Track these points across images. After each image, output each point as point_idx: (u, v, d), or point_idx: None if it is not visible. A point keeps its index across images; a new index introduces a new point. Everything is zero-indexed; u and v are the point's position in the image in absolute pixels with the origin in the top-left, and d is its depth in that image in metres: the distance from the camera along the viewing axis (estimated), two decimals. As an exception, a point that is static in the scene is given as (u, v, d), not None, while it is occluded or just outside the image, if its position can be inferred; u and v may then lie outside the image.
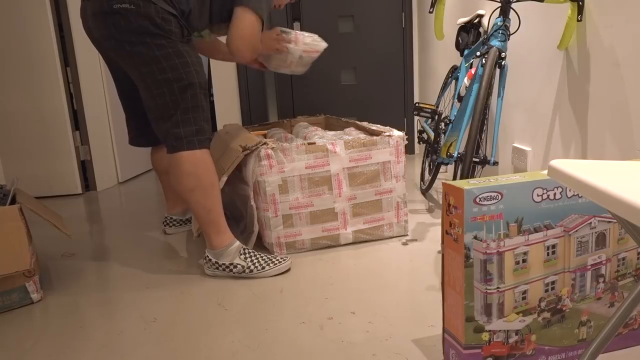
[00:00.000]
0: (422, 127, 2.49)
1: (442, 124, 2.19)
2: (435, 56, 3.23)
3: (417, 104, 2.18)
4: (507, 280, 0.98)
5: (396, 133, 1.89)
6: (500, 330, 1.01)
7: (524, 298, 1.00)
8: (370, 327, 1.29)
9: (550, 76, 1.85)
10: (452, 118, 2.12)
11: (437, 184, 2.77)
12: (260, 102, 3.78)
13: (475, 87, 1.73)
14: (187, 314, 1.43)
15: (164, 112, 1.54)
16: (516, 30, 1.82)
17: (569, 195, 0.98)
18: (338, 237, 1.88)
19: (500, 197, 0.95)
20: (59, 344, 1.31)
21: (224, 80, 3.64)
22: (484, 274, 0.97)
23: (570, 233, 1.00)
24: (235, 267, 1.64)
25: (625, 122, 1.45)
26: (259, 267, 1.65)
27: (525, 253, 0.98)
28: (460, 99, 2.20)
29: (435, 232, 2.00)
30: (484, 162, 1.80)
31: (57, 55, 2.94)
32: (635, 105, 1.40)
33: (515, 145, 2.17)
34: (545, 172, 1.00)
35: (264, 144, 1.75)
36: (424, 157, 2.71)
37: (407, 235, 1.99)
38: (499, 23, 1.69)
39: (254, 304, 1.47)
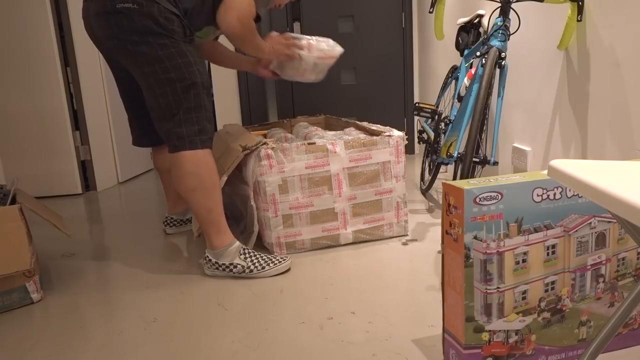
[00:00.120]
0: (422, 127, 2.49)
1: (442, 124, 2.19)
2: (435, 56, 3.23)
3: (417, 104, 2.18)
4: (507, 280, 0.98)
5: (396, 133, 1.89)
6: (500, 330, 1.01)
7: (523, 298, 1.00)
8: (370, 327, 1.29)
9: (550, 76, 1.85)
10: (452, 118, 2.12)
11: (437, 184, 2.77)
12: (260, 102, 3.78)
13: (475, 87, 1.73)
14: (187, 314, 1.43)
15: (167, 111, 1.54)
16: (516, 30, 1.82)
17: (569, 195, 0.98)
18: (338, 237, 1.88)
19: (500, 197, 0.95)
20: (59, 344, 1.31)
21: (224, 80, 3.64)
22: (484, 274, 0.97)
23: (570, 233, 1.00)
24: (235, 267, 1.64)
25: (625, 122, 1.45)
26: (259, 267, 1.65)
27: (525, 253, 0.98)
28: (460, 99, 2.20)
29: (435, 232, 2.00)
30: (484, 162, 1.80)
31: (57, 55, 2.94)
32: (635, 105, 1.40)
33: (515, 145, 2.17)
34: (545, 172, 1.00)
35: (264, 144, 1.75)
36: (424, 157, 2.71)
37: (407, 235, 1.99)
38: (499, 23, 1.70)
39: (254, 304, 1.47)
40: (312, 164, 1.79)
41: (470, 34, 2.34)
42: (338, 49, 1.88)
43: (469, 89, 1.80)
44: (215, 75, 3.61)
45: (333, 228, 1.87)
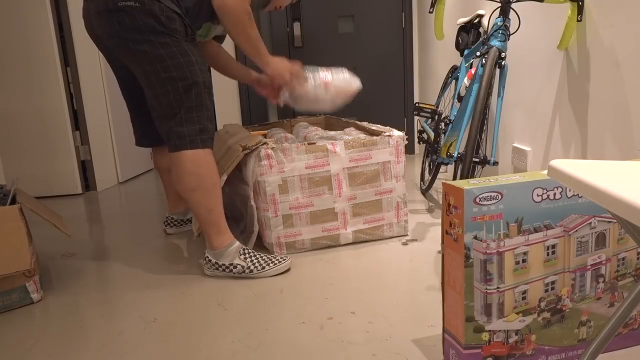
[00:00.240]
0: (422, 127, 2.49)
1: (442, 124, 2.19)
2: (435, 56, 3.23)
3: (417, 104, 2.18)
4: (507, 280, 0.98)
5: (396, 133, 1.89)
6: (500, 330, 1.01)
7: (523, 298, 1.00)
8: (370, 327, 1.29)
9: (550, 76, 1.85)
10: (452, 118, 2.12)
11: (437, 184, 2.77)
12: (260, 102, 3.78)
13: (475, 87, 1.73)
14: (187, 314, 1.43)
15: (168, 110, 1.53)
16: (516, 30, 1.82)
17: (569, 195, 0.98)
18: (338, 237, 1.88)
19: (500, 197, 0.95)
20: (59, 344, 1.31)
21: (224, 80, 3.64)
22: (484, 274, 0.97)
23: (570, 233, 1.00)
24: (235, 267, 1.64)
25: (625, 122, 1.45)
26: (259, 267, 1.65)
27: (525, 253, 0.98)
28: (460, 99, 2.20)
29: (435, 232, 2.00)
30: (484, 162, 1.80)
31: (57, 55, 2.94)
32: (635, 105, 1.40)
33: (515, 145, 2.17)
34: (545, 172, 1.00)
35: (264, 143, 1.75)
36: (424, 157, 2.71)
37: (407, 235, 1.99)
38: (499, 23, 1.70)
39: (254, 304, 1.47)
40: (312, 164, 1.79)
41: (470, 34, 2.34)
42: (355, 83, 1.77)
43: (469, 89, 1.80)
44: (215, 75, 3.61)
45: (333, 228, 1.87)
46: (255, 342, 1.25)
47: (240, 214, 2.08)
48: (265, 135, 2.33)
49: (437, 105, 2.46)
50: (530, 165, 2.07)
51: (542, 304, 1.02)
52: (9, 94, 2.94)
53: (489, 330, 1.01)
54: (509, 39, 1.72)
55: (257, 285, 1.59)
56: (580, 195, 0.99)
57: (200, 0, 1.57)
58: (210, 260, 1.66)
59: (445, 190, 0.99)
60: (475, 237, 0.95)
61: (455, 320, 1.03)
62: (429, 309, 1.36)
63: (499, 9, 1.71)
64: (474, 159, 1.73)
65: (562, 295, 1.03)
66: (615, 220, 1.02)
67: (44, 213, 1.66)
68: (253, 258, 1.66)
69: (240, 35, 1.58)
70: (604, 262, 1.04)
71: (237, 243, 1.66)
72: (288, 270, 1.70)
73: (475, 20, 2.31)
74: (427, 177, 2.58)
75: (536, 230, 0.98)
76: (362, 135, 1.94)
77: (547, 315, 1.03)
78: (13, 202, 1.60)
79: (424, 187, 2.58)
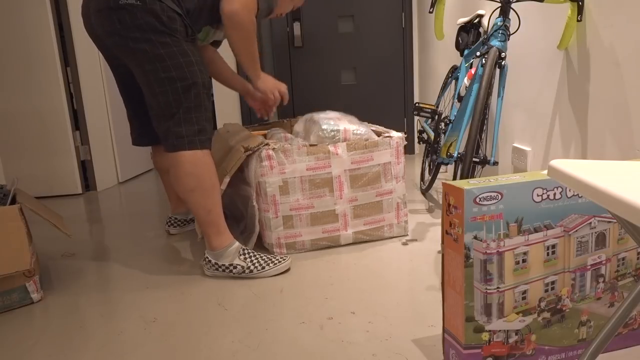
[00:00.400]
0: (422, 127, 2.49)
1: (442, 124, 2.19)
2: (435, 56, 3.23)
3: (417, 104, 2.18)
4: (507, 280, 0.98)
5: (395, 134, 1.89)
6: (500, 330, 1.01)
7: (523, 298, 1.00)
8: (370, 327, 1.29)
9: (550, 76, 1.85)
10: (452, 118, 2.12)
11: (437, 184, 2.77)
12: (260, 102, 3.77)
13: (475, 87, 1.73)
14: (187, 314, 1.43)
15: (166, 110, 1.53)
16: (516, 30, 1.82)
17: (569, 195, 0.98)
18: (338, 238, 1.88)
19: (500, 197, 0.95)
20: (59, 344, 1.31)
21: (224, 81, 3.64)
22: (484, 274, 0.97)
23: (570, 233, 1.00)
24: (235, 267, 1.64)
25: (625, 122, 1.45)
26: (259, 267, 1.65)
27: (525, 253, 0.98)
28: (460, 99, 2.20)
29: (435, 232, 2.00)
30: (484, 162, 1.80)
31: (57, 55, 2.94)
32: (635, 105, 1.40)
33: (515, 145, 2.17)
34: (545, 172, 1.00)
35: (266, 144, 1.75)
36: (424, 157, 2.71)
37: (407, 235, 1.99)
38: (499, 23, 1.70)
39: (254, 304, 1.47)
40: (313, 166, 1.79)
41: (470, 34, 2.34)
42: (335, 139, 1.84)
43: (469, 89, 1.80)
44: (215, 76, 3.61)
45: (333, 229, 1.87)
46: (255, 342, 1.25)
47: (241, 214, 2.08)
48: (265, 135, 2.33)
49: (437, 105, 2.46)
50: (530, 165, 2.07)
51: (542, 304, 1.02)
52: (8, 94, 2.94)
53: (489, 330, 1.01)
54: (509, 39, 1.72)
55: (257, 285, 1.59)
56: (580, 195, 0.99)
57: (201, 3, 1.57)
58: (210, 261, 1.66)
59: (445, 190, 0.99)
60: (475, 237, 0.95)
61: (455, 320, 1.03)
62: (429, 309, 1.36)
63: (499, 9, 1.71)
64: (474, 159, 1.73)
65: (562, 295, 1.03)
66: (615, 220, 1.02)
67: (44, 213, 1.66)
68: (253, 258, 1.66)
69: (242, 48, 1.63)
70: (604, 262, 1.04)
71: (237, 243, 1.66)
72: (288, 270, 1.70)
73: (475, 20, 2.31)
74: (427, 177, 2.58)
75: (536, 230, 0.98)
76: (363, 129, 1.93)
77: (547, 315, 1.03)
78: (13, 202, 1.60)
79: (424, 187, 2.58)
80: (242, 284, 1.62)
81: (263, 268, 1.65)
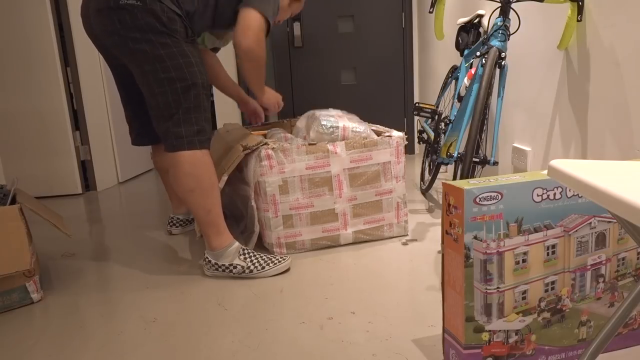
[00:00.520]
0: (422, 127, 2.49)
1: (442, 124, 2.19)
2: (435, 56, 3.23)
3: (417, 104, 2.18)
4: (507, 280, 0.98)
5: (395, 134, 1.89)
6: (500, 330, 1.01)
7: (523, 298, 1.00)
8: (370, 327, 1.29)
9: (550, 76, 1.85)
10: (452, 118, 2.12)
11: (437, 184, 2.77)
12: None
13: (475, 87, 1.73)
14: (187, 314, 1.43)
15: (165, 111, 1.53)
16: (516, 30, 1.82)
17: (569, 195, 0.98)
18: (338, 238, 1.88)
19: (500, 197, 0.95)
20: (59, 344, 1.31)
21: (224, 80, 3.64)
22: (484, 274, 0.97)
23: (570, 233, 1.00)
24: (235, 267, 1.64)
25: (625, 122, 1.45)
26: (259, 267, 1.65)
27: (525, 253, 0.98)
28: (460, 99, 2.20)
29: (435, 232, 2.00)
30: (484, 162, 1.80)
31: (57, 55, 2.94)
32: (635, 105, 1.40)
33: (515, 145, 2.17)
34: (545, 172, 1.00)
35: (265, 144, 1.75)
36: (424, 157, 2.71)
37: (407, 235, 1.99)
38: (499, 23, 1.70)
39: (254, 304, 1.47)
40: (313, 165, 1.79)
41: (470, 34, 2.34)
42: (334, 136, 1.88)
43: (469, 89, 1.80)
44: (215, 75, 3.61)
45: (333, 229, 1.87)
46: (255, 342, 1.25)
47: (241, 214, 2.08)
48: (265, 135, 2.33)
49: (437, 105, 2.46)
50: (530, 165, 2.07)
51: (542, 304, 1.02)
52: (8, 94, 2.94)
53: (489, 330, 1.01)
54: (509, 39, 1.72)
55: (257, 285, 1.59)
56: (580, 195, 0.99)
57: (202, 8, 1.58)
58: (210, 261, 1.66)
59: (445, 190, 0.99)
60: (475, 237, 0.95)
61: (455, 320, 1.03)
62: (429, 309, 1.36)
63: (499, 9, 1.71)
64: (474, 159, 1.73)
65: (562, 295, 1.03)
66: (615, 220, 1.02)
67: (44, 213, 1.66)
68: (253, 258, 1.66)
69: (254, 75, 1.72)
70: (604, 262, 1.04)
71: (237, 243, 1.66)
72: (288, 270, 1.70)
73: (475, 20, 2.31)
74: (427, 177, 2.58)
75: (536, 230, 0.98)
76: (362, 127, 1.93)
77: (547, 315, 1.03)
78: (13, 202, 1.60)
79: (424, 187, 2.58)
80: (242, 284, 1.62)
81: (263, 268, 1.65)
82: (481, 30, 2.32)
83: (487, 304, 0.99)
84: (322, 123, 1.85)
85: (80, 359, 1.23)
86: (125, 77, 1.80)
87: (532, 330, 1.03)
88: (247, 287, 1.59)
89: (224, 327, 1.34)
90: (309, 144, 1.79)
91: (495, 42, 1.68)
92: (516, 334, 1.02)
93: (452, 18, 2.85)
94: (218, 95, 3.67)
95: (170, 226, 2.19)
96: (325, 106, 3.72)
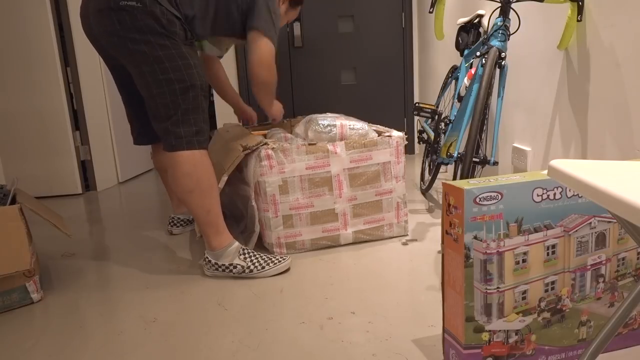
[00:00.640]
0: (422, 127, 2.49)
1: (442, 124, 2.19)
2: (435, 56, 3.23)
3: (417, 104, 2.18)
4: (507, 280, 0.98)
5: (395, 133, 1.89)
6: (500, 330, 1.01)
7: (523, 298, 1.00)
8: (370, 327, 1.29)
9: (550, 76, 1.85)
10: (452, 118, 2.12)
11: (437, 184, 2.77)
12: (260, 102, 3.77)
13: (475, 87, 1.73)
14: (187, 314, 1.43)
15: (163, 111, 1.54)
16: (516, 30, 1.82)
17: (569, 195, 0.98)
18: (338, 238, 1.88)
19: (500, 197, 0.95)
20: (59, 344, 1.31)
21: (224, 80, 3.64)
22: (484, 274, 0.97)
23: (570, 233, 1.00)
24: (235, 267, 1.64)
25: (625, 122, 1.45)
26: (259, 267, 1.65)
27: (525, 253, 0.98)
28: (460, 99, 2.20)
29: (435, 232, 2.00)
30: (484, 162, 1.80)
31: (57, 55, 2.94)
32: (635, 105, 1.40)
33: (515, 145, 2.17)
34: (545, 172, 1.00)
35: (265, 144, 1.75)
36: (424, 157, 2.71)
37: (407, 235, 1.99)
38: (499, 23, 1.70)
39: (254, 304, 1.47)
40: (313, 165, 1.79)
41: (470, 34, 2.34)
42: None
43: (469, 89, 1.80)
44: (215, 75, 3.61)
45: (333, 229, 1.87)
46: (255, 342, 1.25)
47: (241, 214, 2.08)
48: (265, 135, 2.33)
49: (437, 105, 2.46)
50: (530, 165, 2.07)
51: (542, 304, 1.02)
52: (9, 94, 2.94)
53: (489, 330, 1.01)
54: (509, 39, 1.72)
55: (257, 285, 1.59)
56: (580, 195, 0.99)
57: (202, 14, 1.59)
58: (210, 261, 1.66)
59: (445, 190, 0.99)
60: (475, 237, 0.95)
61: (455, 320, 1.03)
62: (429, 309, 1.36)
63: (499, 9, 1.71)
64: (474, 159, 1.73)
65: (562, 295, 1.03)
66: (615, 220, 1.02)
67: (44, 213, 1.66)
68: (253, 258, 1.66)
69: (265, 96, 1.82)
70: (604, 262, 1.04)
71: (237, 243, 1.66)
72: (288, 270, 1.70)
73: (475, 20, 2.31)
74: (427, 177, 2.58)
75: (536, 230, 0.98)
76: (361, 125, 1.93)
77: (547, 315, 1.03)
78: (13, 202, 1.60)
79: (424, 187, 2.58)
80: (242, 284, 1.62)
81: (263, 268, 1.65)
82: (481, 30, 2.32)
83: (487, 304, 0.99)
84: (320, 122, 1.86)
85: (80, 359, 1.23)
86: (124, 77, 1.80)
87: (532, 330, 1.03)
88: (247, 287, 1.59)
89: (224, 327, 1.34)
90: (309, 144, 1.79)
91: (495, 42, 1.68)
92: (516, 334, 1.02)
93: (452, 18, 2.85)
94: (218, 96, 3.66)
95: (171, 226, 2.19)
96: (326, 106, 3.73)
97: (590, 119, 1.62)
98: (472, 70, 2.08)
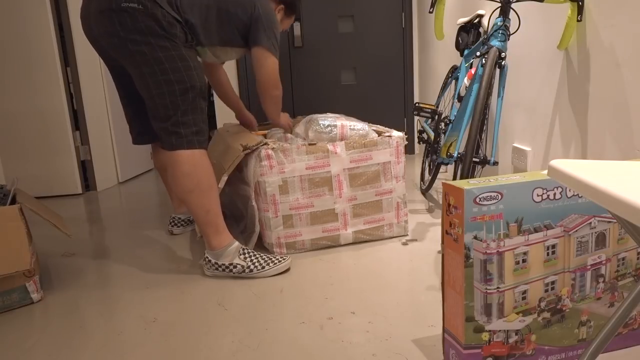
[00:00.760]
0: (422, 127, 2.49)
1: (442, 124, 2.19)
2: (435, 56, 3.23)
3: (417, 104, 2.18)
4: (507, 280, 0.98)
5: (395, 134, 1.89)
6: (500, 330, 1.01)
7: (523, 298, 1.00)
8: (370, 327, 1.29)
9: (550, 76, 1.85)
10: (452, 118, 2.12)
11: (437, 184, 2.77)
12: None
13: (475, 87, 1.73)
14: (187, 314, 1.43)
15: (163, 112, 1.54)
16: (516, 30, 1.82)
17: (569, 195, 0.98)
18: (338, 238, 1.88)
19: (500, 197, 0.95)
20: (59, 343, 1.31)
21: (224, 80, 3.64)
22: (484, 274, 0.97)
23: (570, 233, 1.00)
24: (235, 267, 1.64)
25: (625, 122, 1.45)
26: (259, 267, 1.65)
27: (525, 253, 0.98)
28: (460, 99, 2.20)
29: (435, 232, 2.00)
30: (484, 162, 1.80)
31: (57, 55, 2.94)
32: (635, 105, 1.40)
33: (515, 145, 2.17)
34: (545, 172, 1.00)
35: (265, 144, 1.75)
36: (424, 157, 2.71)
37: (407, 235, 1.99)
38: (499, 23, 1.70)
39: (254, 303, 1.47)
40: (313, 165, 1.79)
41: (470, 34, 2.34)
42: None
43: (469, 89, 1.80)
44: (215, 75, 3.61)
45: (333, 229, 1.87)
46: (255, 342, 1.25)
47: (241, 214, 2.08)
48: (265, 135, 2.33)
49: (437, 105, 2.46)
50: (530, 165, 2.07)
51: (542, 304, 1.02)
52: (9, 94, 2.94)
53: (489, 330, 1.01)
54: (509, 39, 1.72)
55: (257, 285, 1.59)
56: (580, 195, 0.99)
57: (203, 22, 1.59)
58: (210, 261, 1.66)
59: (445, 190, 0.99)
60: (475, 237, 0.95)
61: (455, 320, 1.03)
62: (429, 309, 1.36)
63: (499, 9, 1.71)
64: (474, 159, 1.73)
65: (562, 295, 1.03)
66: (615, 220, 1.02)
67: (44, 213, 1.66)
68: (253, 258, 1.66)
69: (273, 107, 1.88)
70: (604, 262, 1.04)
71: (236, 243, 1.66)
72: (288, 269, 1.70)
73: (475, 20, 2.31)
74: (427, 177, 2.58)
75: (536, 230, 0.98)
76: (361, 125, 1.93)
77: (547, 315, 1.03)
78: (13, 202, 1.60)
79: (424, 187, 2.58)
80: (242, 284, 1.62)
81: (263, 268, 1.65)
82: (481, 30, 2.32)
83: (487, 304, 0.99)
84: (320, 122, 1.86)
85: (80, 359, 1.23)
86: (123, 77, 1.80)
87: (532, 330, 1.03)
88: (247, 287, 1.59)
89: (224, 327, 1.34)
90: (309, 144, 1.79)
91: (495, 42, 1.68)
92: (516, 334, 1.02)
93: (452, 18, 2.85)
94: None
95: (172, 226, 2.19)
96: (326, 106, 3.73)
97: (590, 119, 1.62)
98: (472, 70, 2.08)
